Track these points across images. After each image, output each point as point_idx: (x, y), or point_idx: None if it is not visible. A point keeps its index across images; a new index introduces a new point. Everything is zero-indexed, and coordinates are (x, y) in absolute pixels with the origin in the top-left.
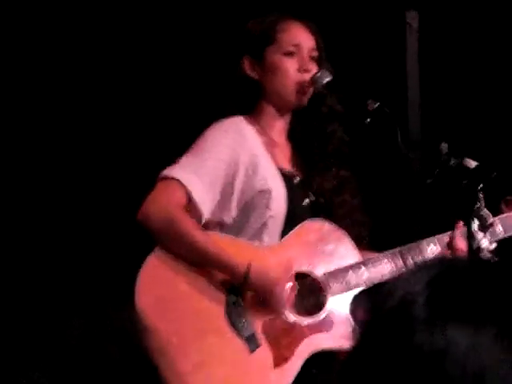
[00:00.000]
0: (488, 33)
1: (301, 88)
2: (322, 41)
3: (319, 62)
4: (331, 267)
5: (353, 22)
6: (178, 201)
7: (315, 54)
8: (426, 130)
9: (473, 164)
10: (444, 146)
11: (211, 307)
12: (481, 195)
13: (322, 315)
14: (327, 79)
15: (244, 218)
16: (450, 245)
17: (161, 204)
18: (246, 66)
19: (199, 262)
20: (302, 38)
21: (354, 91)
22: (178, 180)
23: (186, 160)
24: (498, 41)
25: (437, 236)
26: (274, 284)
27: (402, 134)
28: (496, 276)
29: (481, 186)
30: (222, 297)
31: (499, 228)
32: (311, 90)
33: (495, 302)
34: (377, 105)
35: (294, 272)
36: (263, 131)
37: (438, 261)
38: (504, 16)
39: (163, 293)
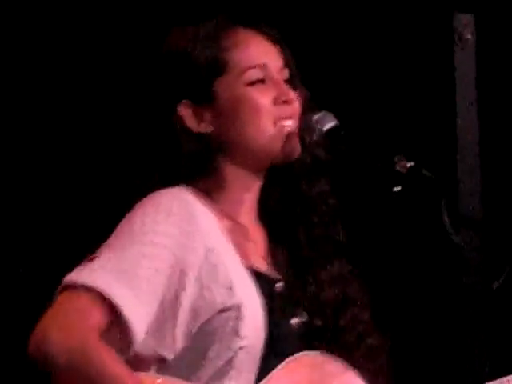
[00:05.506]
0: None
1: (288, 129)
2: (290, 54)
3: (293, 86)
4: None
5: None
6: (95, 323)
7: (286, 75)
8: (487, 199)
9: None
10: None
11: None
12: None
13: None
14: (331, 124)
15: (197, 352)
16: None
17: (68, 329)
18: (187, 116)
19: None
20: (266, 54)
21: (370, 142)
22: (95, 289)
23: (105, 258)
24: None
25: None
26: None
27: (450, 208)
28: None
29: None
30: None
31: None
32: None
33: None
34: (410, 164)
35: None
36: (222, 210)
37: None
38: None
39: None
